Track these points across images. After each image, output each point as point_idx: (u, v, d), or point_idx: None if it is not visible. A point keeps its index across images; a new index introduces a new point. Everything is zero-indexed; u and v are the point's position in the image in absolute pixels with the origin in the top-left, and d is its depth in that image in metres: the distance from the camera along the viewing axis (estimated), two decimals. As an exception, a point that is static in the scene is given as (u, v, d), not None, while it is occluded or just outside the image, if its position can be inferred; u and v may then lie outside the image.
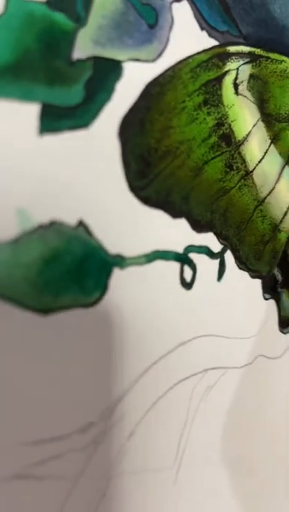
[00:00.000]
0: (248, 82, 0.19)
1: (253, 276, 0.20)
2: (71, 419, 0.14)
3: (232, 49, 0.18)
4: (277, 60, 0.21)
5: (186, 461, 0.17)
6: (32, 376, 0.13)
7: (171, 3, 0.16)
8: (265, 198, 0.21)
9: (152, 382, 0.16)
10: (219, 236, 0.18)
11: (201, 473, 0.18)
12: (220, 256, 0.18)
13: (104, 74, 0.14)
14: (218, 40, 0.18)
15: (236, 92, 0.19)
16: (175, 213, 0.17)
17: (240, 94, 0.19)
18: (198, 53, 0.17)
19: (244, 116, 0.19)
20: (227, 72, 0.18)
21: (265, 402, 0.21)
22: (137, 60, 0.15)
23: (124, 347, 0.15)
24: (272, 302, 0.21)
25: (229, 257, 0.19)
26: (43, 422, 0.13)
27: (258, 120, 0.20)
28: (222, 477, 0.19)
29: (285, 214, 0.22)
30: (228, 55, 0.18)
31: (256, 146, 0.20)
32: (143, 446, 0.16)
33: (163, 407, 0.16)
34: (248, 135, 0.20)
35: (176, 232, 0.17)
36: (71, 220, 0.14)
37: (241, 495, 0.19)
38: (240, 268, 0.19)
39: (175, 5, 0.16)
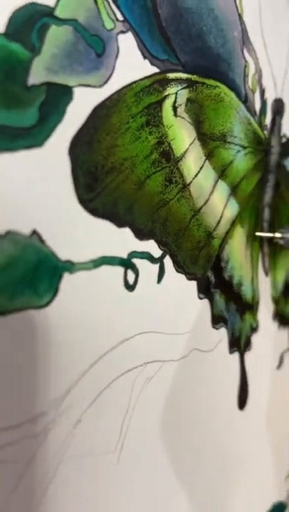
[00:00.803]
0: (186, 105, 0.22)
1: (189, 279, 0.22)
2: (24, 409, 0.15)
3: (171, 76, 0.21)
4: (211, 86, 0.23)
5: (127, 445, 0.19)
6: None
7: (117, 34, 0.18)
8: (200, 208, 0.23)
9: (98, 374, 0.17)
10: (159, 243, 0.20)
11: (141, 455, 0.20)
12: (160, 261, 0.20)
13: (57, 98, 0.16)
14: (159, 68, 0.20)
15: (175, 114, 0.21)
16: (120, 223, 0.18)
17: (179, 116, 0.21)
18: (141, 79, 0.19)
19: (182, 135, 0.21)
20: (167, 96, 0.20)
21: (199, 390, 0.23)
22: (86, 85, 0.17)
23: (73, 343, 0.16)
24: (206, 301, 0.24)
25: (168, 261, 0.21)
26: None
27: (194, 139, 0.22)
28: (161, 457, 0.21)
29: (218, 222, 0.25)
30: (168, 81, 0.20)
31: (193, 162, 0.22)
32: (89, 433, 0.17)
33: (107, 396, 0.18)
34: (185, 152, 0.22)
35: (121, 240, 0.18)
36: (26, 229, 0.15)
37: (179, 472, 0.22)
38: (178, 271, 0.22)
39: (121, 36, 0.18)
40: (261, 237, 0.29)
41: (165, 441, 0.21)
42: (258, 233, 0.28)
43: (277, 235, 0.27)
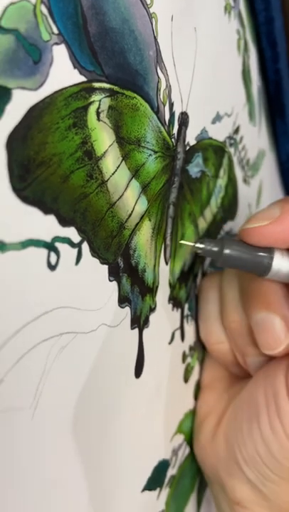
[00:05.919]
0: (108, 111, 0.25)
1: (102, 263, 0.26)
2: None
3: (96, 85, 0.23)
4: (130, 96, 0.26)
5: (41, 403, 0.22)
6: None
7: (52, 45, 0.20)
8: (115, 202, 0.26)
9: (21, 341, 0.20)
10: (79, 230, 0.23)
11: (54, 412, 0.23)
12: (78, 246, 0.23)
13: (-3, 98, 0.18)
14: (87, 77, 0.23)
15: (98, 119, 0.24)
16: (46, 210, 0.21)
17: (101, 121, 0.24)
18: (71, 86, 0.22)
19: (103, 137, 0.25)
20: (92, 102, 0.23)
21: (103, 358, 0.27)
22: (24, 88, 0.19)
23: (0, 313, 0.19)
24: (114, 283, 0.27)
25: (85, 247, 0.24)
26: None
27: (113, 141, 0.26)
28: (69, 412, 0.24)
29: (130, 215, 0.28)
30: (93, 90, 0.23)
31: (111, 161, 0.26)
32: (8, 391, 0.20)
33: (27, 360, 0.21)
34: (105, 152, 0.25)
35: (46, 225, 0.21)
36: None
37: (82, 426, 0.25)
38: (93, 256, 0.25)
39: (55, 47, 0.20)
40: (165, 231, 0.34)
41: (74, 400, 0.24)
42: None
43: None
